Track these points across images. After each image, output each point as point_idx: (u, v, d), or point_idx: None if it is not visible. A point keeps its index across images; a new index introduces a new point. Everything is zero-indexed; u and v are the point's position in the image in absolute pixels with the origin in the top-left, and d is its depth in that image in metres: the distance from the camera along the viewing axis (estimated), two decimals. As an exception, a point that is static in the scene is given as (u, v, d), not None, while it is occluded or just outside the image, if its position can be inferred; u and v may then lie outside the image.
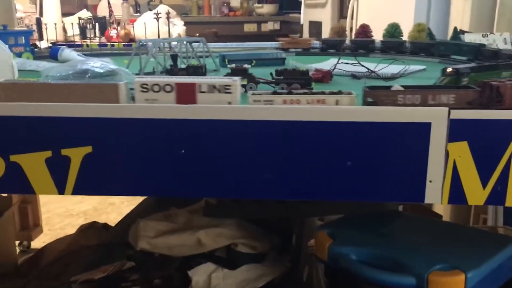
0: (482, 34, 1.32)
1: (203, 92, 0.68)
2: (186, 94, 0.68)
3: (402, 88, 0.68)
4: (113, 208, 2.63)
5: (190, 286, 0.99)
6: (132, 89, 0.71)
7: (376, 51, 1.32)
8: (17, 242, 1.94)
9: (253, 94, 0.69)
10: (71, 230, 1.79)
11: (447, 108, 0.64)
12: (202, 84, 0.68)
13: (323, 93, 0.69)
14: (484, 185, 0.66)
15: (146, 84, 0.68)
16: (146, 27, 1.58)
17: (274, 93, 0.70)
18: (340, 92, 0.69)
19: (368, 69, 0.98)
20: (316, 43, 1.45)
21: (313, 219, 1.30)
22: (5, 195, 1.69)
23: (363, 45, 1.33)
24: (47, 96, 0.68)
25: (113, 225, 1.48)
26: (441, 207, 1.69)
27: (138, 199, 1.45)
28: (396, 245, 0.85)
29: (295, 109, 0.66)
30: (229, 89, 0.67)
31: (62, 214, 2.56)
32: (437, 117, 0.64)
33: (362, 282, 0.80)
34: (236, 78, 0.69)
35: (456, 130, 0.64)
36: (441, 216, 1.56)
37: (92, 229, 1.55)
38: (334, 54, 1.30)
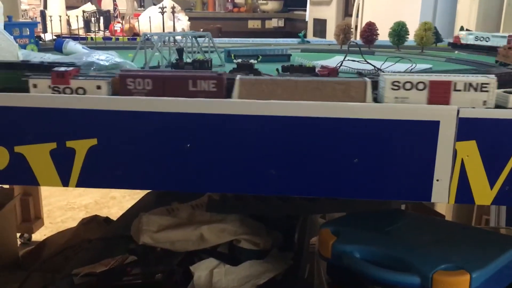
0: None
1: (458, 90, 0.65)
2: (439, 93, 0.65)
3: None
4: (115, 202, 2.63)
5: (192, 281, 0.98)
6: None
7: None
8: (18, 235, 1.94)
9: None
10: (72, 223, 1.80)
11: (456, 107, 0.64)
12: (458, 82, 0.65)
13: None
14: (492, 185, 0.65)
15: (398, 82, 0.65)
16: (151, 21, 1.57)
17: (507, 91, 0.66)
18: None
19: (374, 66, 0.97)
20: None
21: (316, 216, 1.30)
22: (7, 187, 1.69)
23: None
24: (291, 93, 0.66)
25: (114, 219, 1.48)
26: (443, 207, 1.69)
27: (140, 194, 1.45)
28: (401, 244, 0.84)
29: (301, 105, 0.66)
30: (486, 87, 0.65)
31: (63, 207, 2.57)
32: (446, 116, 0.64)
33: (366, 281, 0.79)
34: (492, 75, 0.66)
35: (465, 129, 0.64)
36: (444, 216, 1.56)
37: (93, 222, 1.55)
38: (340, 51, 1.29)
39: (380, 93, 0.67)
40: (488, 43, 1.31)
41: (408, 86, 0.65)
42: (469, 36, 1.34)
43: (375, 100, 0.67)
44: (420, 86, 0.65)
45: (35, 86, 0.68)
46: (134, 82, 0.68)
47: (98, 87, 0.68)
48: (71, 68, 0.70)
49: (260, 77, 0.68)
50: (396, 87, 0.65)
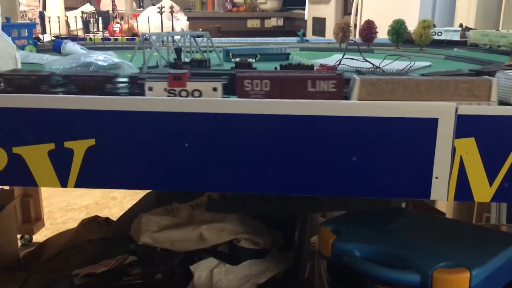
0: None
1: None
2: None
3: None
4: (115, 203, 2.63)
5: (192, 281, 0.98)
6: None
7: None
8: (18, 236, 1.94)
9: None
10: (73, 224, 1.80)
11: (454, 104, 0.64)
12: None
13: None
14: (491, 182, 0.65)
15: None
16: (149, 21, 1.57)
17: None
18: None
19: (373, 64, 0.97)
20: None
21: (316, 215, 1.30)
22: (7, 188, 1.69)
23: None
24: (412, 92, 0.64)
25: (115, 219, 1.48)
26: (444, 205, 1.69)
27: (140, 194, 1.45)
28: (401, 242, 0.84)
29: (299, 104, 0.65)
30: None
31: (64, 208, 2.57)
32: (445, 113, 0.63)
33: (366, 279, 0.79)
34: None
35: (464, 126, 0.64)
36: (444, 213, 1.56)
37: (94, 223, 1.55)
38: (339, 50, 1.29)
39: (508, 93, 0.65)
40: (441, 37, 1.33)
41: None
42: None
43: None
44: None
45: (150, 89, 0.68)
46: (252, 84, 0.67)
47: (214, 89, 0.67)
48: (186, 71, 0.69)
49: (380, 76, 0.67)
50: None
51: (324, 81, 0.66)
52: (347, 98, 0.67)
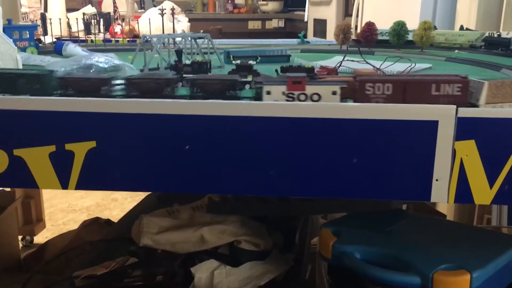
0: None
1: None
2: None
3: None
4: (116, 204, 2.63)
5: (193, 282, 0.98)
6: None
7: None
8: (20, 237, 1.94)
9: None
10: (74, 226, 1.80)
11: (454, 106, 0.64)
12: None
13: None
14: (491, 184, 0.65)
15: None
16: (150, 23, 1.57)
17: None
18: None
19: (374, 66, 0.97)
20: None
21: (317, 217, 1.30)
22: (9, 189, 1.69)
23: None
24: None
25: (115, 221, 1.48)
26: (445, 207, 1.69)
27: (141, 195, 1.46)
28: (401, 244, 0.84)
29: (301, 106, 0.66)
30: None
31: (65, 210, 2.57)
32: (445, 115, 0.64)
33: (366, 281, 0.79)
34: None
35: (464, 129, 0.64)
36: (445, 215, 1.56)
37: (95, 224, 1.56)
38: (339, 51, 1.29)
39: None
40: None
41: None
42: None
43: None
44: None
45: (268, 92, 0.67)
46: (374, 87, 0.66)
47: (334, 93, 0.67)
48: (303, 75, 0.69)
49: (505, 78, 0.66)
50: None
51: (449, 84, 0.65)
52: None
